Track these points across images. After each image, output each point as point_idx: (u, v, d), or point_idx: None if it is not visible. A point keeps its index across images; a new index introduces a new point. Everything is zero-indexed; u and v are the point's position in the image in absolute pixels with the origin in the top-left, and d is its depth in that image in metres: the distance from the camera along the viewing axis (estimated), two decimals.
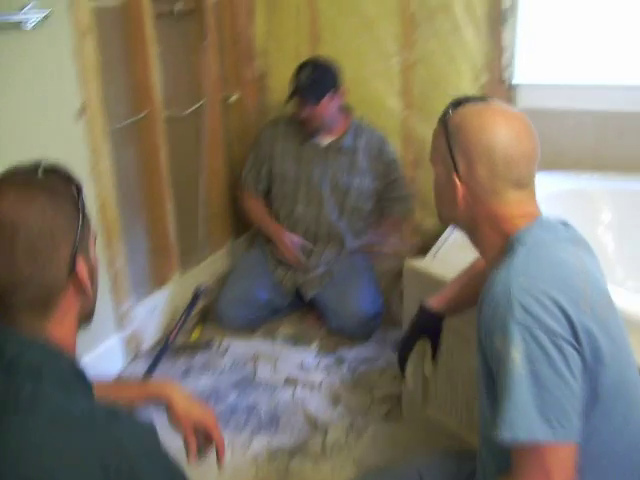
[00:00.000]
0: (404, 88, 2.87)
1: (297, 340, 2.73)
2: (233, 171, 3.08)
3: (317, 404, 2.32)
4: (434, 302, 1.63)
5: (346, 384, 2.42)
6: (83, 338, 1.05)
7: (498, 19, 2.63)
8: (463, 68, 2.74)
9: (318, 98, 2.65)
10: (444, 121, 1.27)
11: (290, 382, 2.45)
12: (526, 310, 1.09)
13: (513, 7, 2.62)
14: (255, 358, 2.60)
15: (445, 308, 1.62)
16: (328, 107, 2.68)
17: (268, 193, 2.94)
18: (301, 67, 2.68)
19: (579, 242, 1.26)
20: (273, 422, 2.24)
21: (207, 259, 3.06)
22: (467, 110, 1.26)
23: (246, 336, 2.77)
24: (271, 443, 2.13)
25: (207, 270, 3.04)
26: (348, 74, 2.87)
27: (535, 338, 1.06)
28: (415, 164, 2.99)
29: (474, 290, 1.62)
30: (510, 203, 1.23)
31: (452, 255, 2.03)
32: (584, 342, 1.08)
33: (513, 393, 1.07)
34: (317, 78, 2.64)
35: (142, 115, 2.47)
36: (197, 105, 2.79)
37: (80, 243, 0.99)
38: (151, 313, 2.70)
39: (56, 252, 0.96)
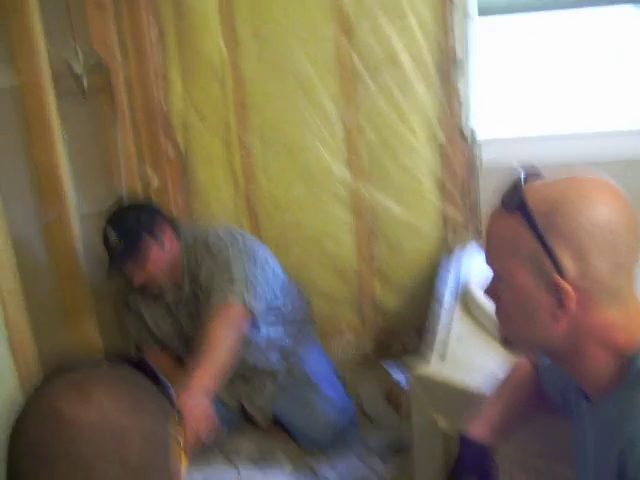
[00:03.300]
0: (351, 154, 2.53)
1: (264, 461, 2.27)
2: None
3: None
4: (479, 430, 1.25)
5: None
6: None
7: (451, 70, 2.36)
8: (416, 127, 2.44)
9: (141, 255, 2.13)
10: (521, 210, 0.91)
11: None
12: None
13: (467, 57, 2.35)
14: None
15: (493, 436, 1.25)
16: (160, 258, 2.17)
17: None
18: (104, 232, 2.15)
19: None
20: None
21: None
22: (550, 189, 0.92)
23: (201, 464, 2.29)
24: None
25: None
26: (287, 144, 2.53)
27: None
28: (370, 237, 2.65)
29: (522, 406, 1.28)
30: (630, 305, 0.91)
31: (466, 353, 1.66)
32: None
33: None
34: (125, 237, 2.11)
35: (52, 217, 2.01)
36: (116, 199, 2.34)
37: None
38: None
39: None
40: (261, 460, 2.28)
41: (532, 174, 0.96)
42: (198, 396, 1.82)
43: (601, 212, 0.88)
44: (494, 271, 0.98)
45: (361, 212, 2.61)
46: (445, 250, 2.55)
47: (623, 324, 0.90)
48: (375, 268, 2.71)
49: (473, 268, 2.07)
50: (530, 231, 0.90)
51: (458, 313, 1.90)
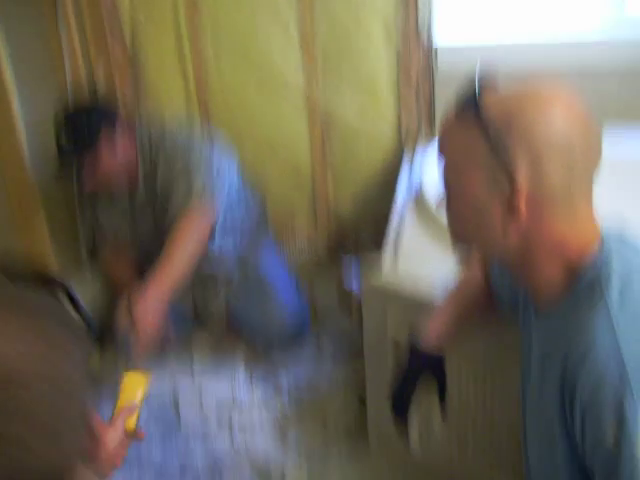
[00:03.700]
0: (306, 60, 2.46)
1: (219, 364, 2.32)
2: None
3: (264, 451, 1.95)
4: (427, 338, 1.29)
5: (292, 420, 2.06)
6: None
7: None
8: (373, 31, 2.38)
9: (93, 156, 2.03)
10: (477, 117, 0.90)
11: (224, 425, 2.06)
12: None
13: None
14: (174, 396, 2.18)
15: (442, 345, 1.29)
16: (112, 159, 2.07)
17: None
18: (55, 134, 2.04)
19: None
20: (215, 477, 1.85)
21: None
22: (509, 98, 0.91)
23: (157, 370, 2.32)
24: None
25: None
26: (240, 47, 2.45)
27: None
28: (325, 142, 2.62)
29: (472, 311, 1.32)
30: (583, 216, 0.92)
31: (418, 261, 1.68)
32: None
33: None
34: (79, 135, 2.02)
35: None
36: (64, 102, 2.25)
37: None
38: None
39: None
40: (215, 365, 2.32)
41: (489, 82, 0.94)
42: (153, 302, 1.85)
43: (557, 122, 0.87)
44: (447, 180, 0.98)
45: (315, 118, 2.56)
46: (400, 156, 2.55)
47: (576, 236, 0.91)
48: (330, 174, 2.70)
49: (427, 174, 2.06)
50: (484, 141, 0.89)
51: (411, 220, 1.88)
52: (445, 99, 2.43)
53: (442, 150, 0.97)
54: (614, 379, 0.81)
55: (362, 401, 1.94)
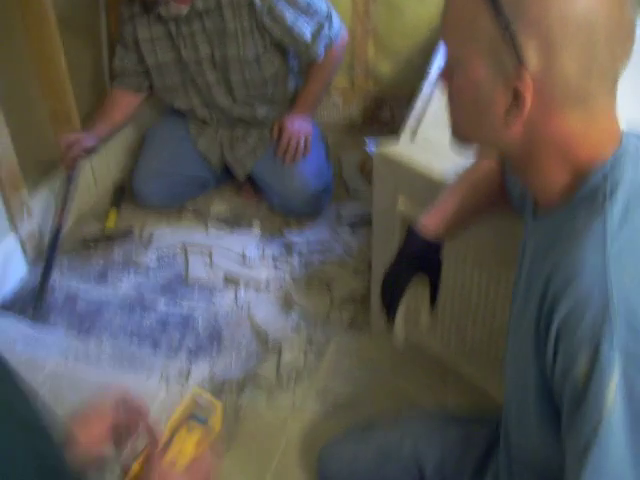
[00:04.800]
0: None
1: (234, 222, 2.27)
2: None
3: (266, 310, 1.93)
4: (429, 223, 1.18)
5: (298, 281, 2.02)
6: None
7: None
8: None
9: None
10: None
11: (231, 281, 2.03)
12: (635, 332, 0.68)
13: None
14: (185, 249, 2.15)
15: (444, 231, 1.18)
16: None
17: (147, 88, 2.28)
18: None
19: None
20: (214, 339, 1.85)
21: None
22: None
23: (172, 219, 2.29)
24: (214, 371, 1.75)
25: (118, 141, 2.47)
26: None
27: None
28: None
29: (481, 203, 1.20)
30: (600, 115, 0.78)
31: (438, 136, 1.54)
32: None
33: (603, 451, 0.70)
34: None
35: None
36: None
37: None
38: (53, 202, 2.18)
39: None
40: (231, 220, 2.28)
41: None
42: (302, 122, 2.22)
43: (580, 2, 0.70)
44: (448, 53, 0.83)
45: None
46: None
47: (586, 136, 0.77)
48: (370, 29, 2.51)
49: None
50: (492, 10, 0.73)
51: (439, 93, 1.74)
52: None
53: (446, 15, 0.82)
54: (596, 310, 0.70)
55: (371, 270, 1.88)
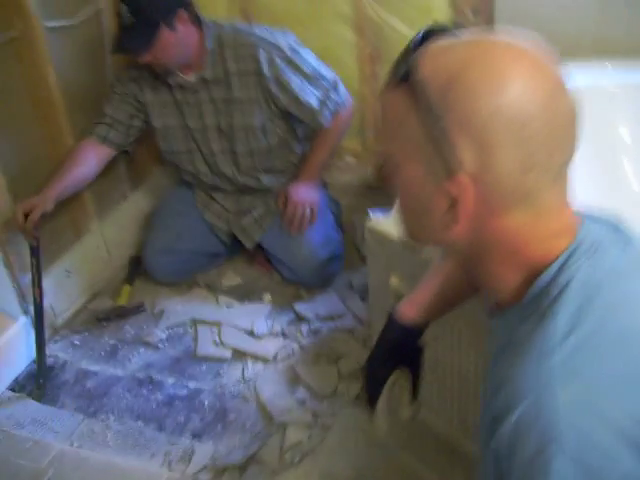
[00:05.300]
0: None
1: (245, 294, 2.26)
2: None
3: (272, 386, 1.89)
4: (407, 310, 1.14)
5: (306, 353, 1.98)
6: None
7: None
8: None
9: (148, 43, 1.91)
10: (409, 82, 0.71)
11: (239, 356, 2.01)
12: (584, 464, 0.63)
13: None
14: (194, 324, 2.15)
15: (423, 318, 1.14)
16: (168, 46, 1.94)
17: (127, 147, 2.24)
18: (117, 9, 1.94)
19: None
20: (219, 419, 1.82)
21: (128, 198, 2.51)
22: (451, 55, 0.71)
23: (183, 293, 2.30)
24: (217, 452, 1.72)
25: (129, 212, 2.51)
26: None
27: None
28: (373, 57, 2.41)
29: (459, 291, 1.14)
30: (545, 211, 0.72)
31: None
32: None
33: None
34: (137, 16, 1.89)
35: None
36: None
37: None
38: (65, 278, 2.21)
39: None
40: (242, 293, 2.27)
41: (440, 33, 0.76)
42: (307, 189, 2.21)
43: (513, 89, 0.67)
44: (384, 153, 0.79)
45: (364, 30, 2.35)
46: None
47: (534, 234, 0.72)
48: (378, 90, 2.51)
49: None
50: (418, 111, 0.70)
51: None
52: (508, 10, 2.17)
53: (381, 116, 0.79)
54: (538, 440, 0.63)
55: None
